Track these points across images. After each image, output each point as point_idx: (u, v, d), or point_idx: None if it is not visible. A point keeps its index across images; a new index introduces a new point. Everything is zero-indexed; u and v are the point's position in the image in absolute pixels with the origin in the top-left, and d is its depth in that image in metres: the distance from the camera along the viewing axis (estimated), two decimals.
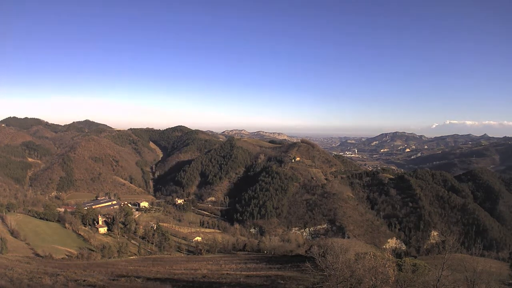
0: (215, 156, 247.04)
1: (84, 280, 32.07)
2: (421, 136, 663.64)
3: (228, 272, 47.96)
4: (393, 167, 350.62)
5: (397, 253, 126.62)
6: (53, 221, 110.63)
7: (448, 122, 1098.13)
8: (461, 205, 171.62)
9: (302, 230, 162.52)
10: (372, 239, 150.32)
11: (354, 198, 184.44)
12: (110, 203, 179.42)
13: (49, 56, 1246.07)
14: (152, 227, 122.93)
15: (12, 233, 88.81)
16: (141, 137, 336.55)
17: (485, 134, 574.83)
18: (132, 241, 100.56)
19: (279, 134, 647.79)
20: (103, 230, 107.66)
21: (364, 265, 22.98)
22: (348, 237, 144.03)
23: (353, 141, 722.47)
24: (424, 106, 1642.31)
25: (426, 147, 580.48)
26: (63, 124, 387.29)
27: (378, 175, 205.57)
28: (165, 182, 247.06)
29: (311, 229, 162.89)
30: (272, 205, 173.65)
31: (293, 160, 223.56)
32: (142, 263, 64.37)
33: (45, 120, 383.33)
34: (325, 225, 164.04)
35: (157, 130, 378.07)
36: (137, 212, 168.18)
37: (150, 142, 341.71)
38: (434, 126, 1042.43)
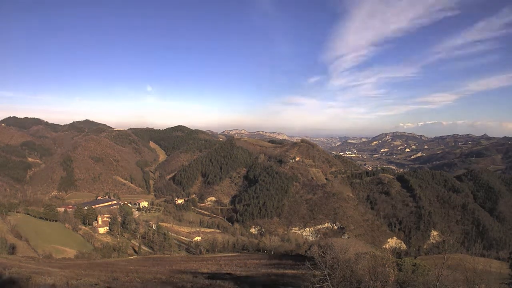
0: (215, 156, 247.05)
1: (85, 279, 32.10)
2: (421, 136, 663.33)
3: (228, 271, 47.97)
4: (393, 167, 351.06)
5: (397, 253, 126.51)
6: (53, 221, 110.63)
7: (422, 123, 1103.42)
8: (461, 205, 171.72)
9: (302, 230, 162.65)
10: (372, 239, 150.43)
11: (354, 198, 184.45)
12: (110, 203, 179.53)
13: (49, 56, 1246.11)
14: (152, 227, 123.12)
15: (12, 232, 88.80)
16: (141, 137, 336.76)
17: (485, 134, 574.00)
18: (132, 241, 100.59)
19: (279, 134, 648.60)
20: (103, 230, 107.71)
21: (364, 265, 23.00)
22: (348, 237, 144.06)
23: (353, 141, 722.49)
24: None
25: (426, 147, 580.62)
26: (63, 124, 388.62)
27: (378, 175, 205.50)
28: (165, 182, 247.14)
29: (311, 229, 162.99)
30: (272, 205, 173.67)
31: (293, 160, 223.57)
32: (142, 263, 64.40)
33: (45, 120, 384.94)
34: (325, 225, 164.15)
35: (157, 130, 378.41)
36: (137, 212, 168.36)
37: (150, 142, 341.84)
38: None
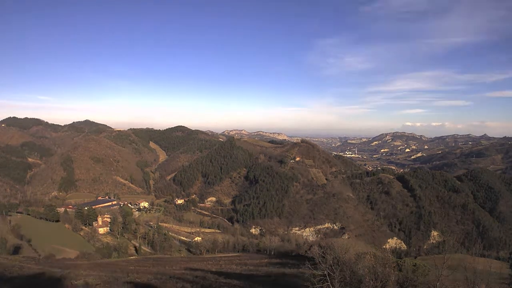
0: (215, 156, 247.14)
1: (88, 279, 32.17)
2: (421, 136, 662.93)
3: (229, 271, 47.98)
4: (393, 167, 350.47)
5: (397, 253, 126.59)
6: (53, 221, 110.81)
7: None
8: (461, 205, 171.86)
9: (303, 230, 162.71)
10: (372, 239, 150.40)
11: (355, 198, 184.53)
12: (110, 203, 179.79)
13: (49, 56, 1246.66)
14: (152, 227, 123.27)
15: (12, 233, 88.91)
16: (141, 137, 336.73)
17: (485, 134, 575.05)
18: (133, 241, 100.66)
19: (279, 134, 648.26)
20: (103, 230, 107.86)
21: (364, 265, 23.05)
22: (349, 237, 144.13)
23: (353, 141, 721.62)
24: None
25: (426, 147, 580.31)
26: (63, 124, 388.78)
27: (378, 175, 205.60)
28: (166, 182, 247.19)
29: (312, 229, 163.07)
30: (273, 205, 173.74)
31: (293, 160, 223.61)
32: (143, 263, 64.38)
33: (45, 120, 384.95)
34: (325, 225, 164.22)
35: (157, 130, 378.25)
36: (137, 212, 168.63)
37: (150, 142, 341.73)
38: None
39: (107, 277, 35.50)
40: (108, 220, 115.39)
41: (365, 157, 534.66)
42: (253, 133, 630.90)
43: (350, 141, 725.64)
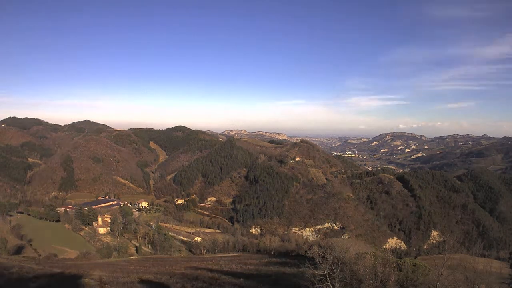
0: (215, 156, 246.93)
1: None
2: (421, 136, 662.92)
3: (229, 271, 48.02)
4: (393, 167, 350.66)
5: (397, 253, 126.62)
6: (53, 221, 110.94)
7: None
8: (461, 205, 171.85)
9: (303, 230, 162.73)
10: (372, 239, 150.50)
11: (355, 198, 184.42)
12: (110, 203, 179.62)
13: (49, 56, 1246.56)
14: (152, 227, 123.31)
15: (12, 233, 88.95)
16: (141, 137, 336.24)
17: (485, 134, 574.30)
18: (132, 241, 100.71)
19: (279, 134, 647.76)
20: (103, 230, 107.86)
21: (364, 265, 23.10)
22: (349, 237, 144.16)
23: (353, 141, 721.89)
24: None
25: (426, 147, 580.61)
26: (63, 124, 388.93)
27: (378, 175, 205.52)
28: (166, 182, 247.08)
29: (312, 229, 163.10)
30: (273, 205, 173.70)
31: (293, 160, 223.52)
32: (143, 263, 64.43)
33: (45, 120, 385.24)
34: (325, 225, 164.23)
35: (157, 130, 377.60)
36: (137, 212, 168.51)
37: (150, 142, 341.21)
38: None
39: (107, 276, 35.56)
40: (108, 220, 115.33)
41: (365, 157, 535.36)
42: (253, 133, 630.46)
43: (350, 141, 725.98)
